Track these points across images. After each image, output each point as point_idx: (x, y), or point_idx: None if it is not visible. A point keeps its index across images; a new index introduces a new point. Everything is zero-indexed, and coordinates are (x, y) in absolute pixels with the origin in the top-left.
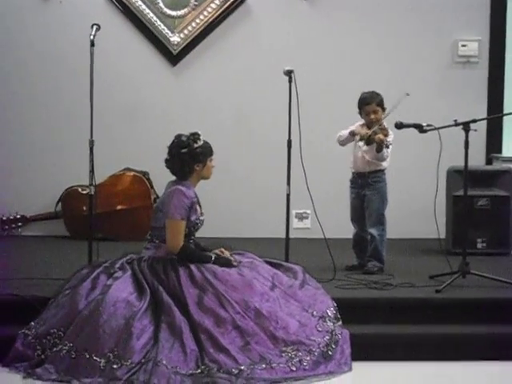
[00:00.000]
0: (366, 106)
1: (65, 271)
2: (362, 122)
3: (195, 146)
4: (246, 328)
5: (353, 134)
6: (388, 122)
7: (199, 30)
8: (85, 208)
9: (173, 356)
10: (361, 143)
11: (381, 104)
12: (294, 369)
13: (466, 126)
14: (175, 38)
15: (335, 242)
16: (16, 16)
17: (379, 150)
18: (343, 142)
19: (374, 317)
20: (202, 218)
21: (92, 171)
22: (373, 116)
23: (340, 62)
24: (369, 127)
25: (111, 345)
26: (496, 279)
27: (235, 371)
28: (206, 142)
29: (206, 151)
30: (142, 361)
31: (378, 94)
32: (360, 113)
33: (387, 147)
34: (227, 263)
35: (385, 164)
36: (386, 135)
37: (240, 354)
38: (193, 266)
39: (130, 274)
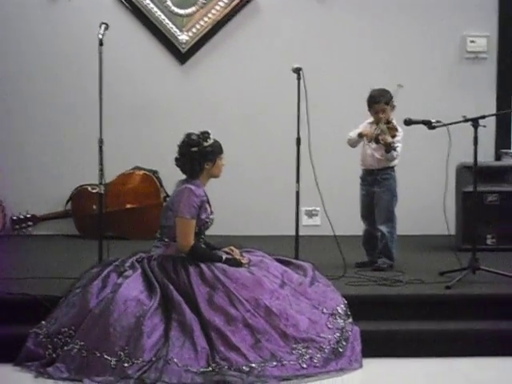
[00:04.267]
0: (374, 105)
1: (75, 270)
2: (372, 119)
3: (205, 144)
4: (257, 326)
5: (361, 135)
6: (397, 119)
7: (207, 29)
8: (95, 207)
9: (184, 354)
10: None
11: (389, 102)
12: (305, 366)
13: (474, 122)
14: (183, 37)
15: (345, 238)
16: (24, 15)
17: (387, 151)
18: (353, 145)
19: (384, 313)
20: (211, 216)
21: (101, 170)
22: (381, 115)
23: (349, 59)
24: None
25: (122, 343)
26: (506, 275)
27: (246, 369)
28: (215, 141)
29: (216, 150)
30: (153, 359)
31: (387, 92)
32: (369, 110)
33: (394, 150)
34: (237, 265)
35: (394, 161)
36: (394, 136)
37: (251, 351)
38: (203, 264)
39: (140, 272)
